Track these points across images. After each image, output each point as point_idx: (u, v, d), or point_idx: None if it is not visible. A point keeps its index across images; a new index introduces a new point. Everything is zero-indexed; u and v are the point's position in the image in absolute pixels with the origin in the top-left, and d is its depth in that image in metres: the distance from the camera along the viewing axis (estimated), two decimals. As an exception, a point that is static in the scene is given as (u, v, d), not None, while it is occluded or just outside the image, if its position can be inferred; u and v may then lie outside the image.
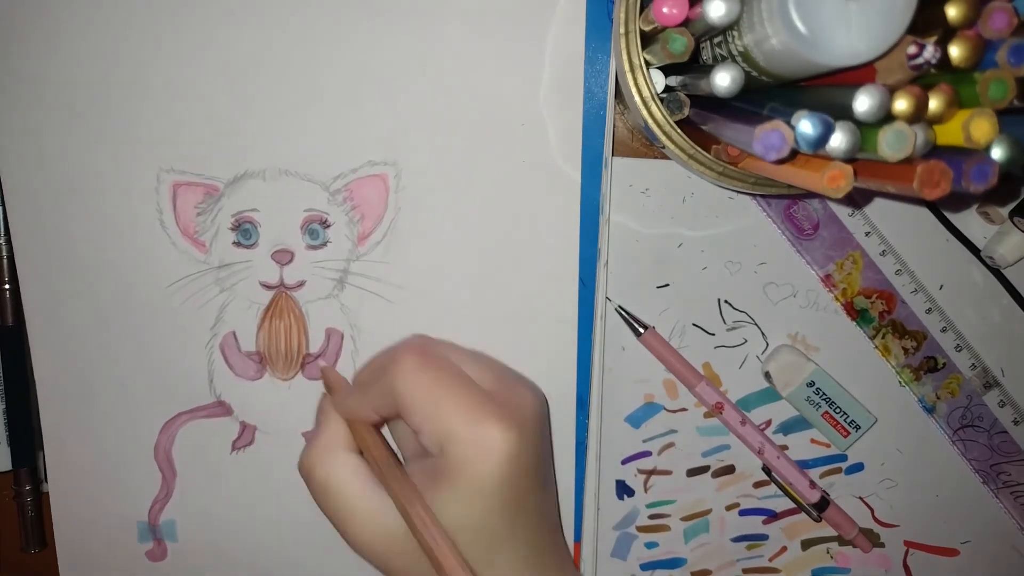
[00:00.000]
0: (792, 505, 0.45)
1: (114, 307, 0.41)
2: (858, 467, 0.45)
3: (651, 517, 0.45)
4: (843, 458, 0.45)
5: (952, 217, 0.43)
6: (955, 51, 0.26)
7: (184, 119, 0.40)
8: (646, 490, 0.45)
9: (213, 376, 0.42)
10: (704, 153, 0.34)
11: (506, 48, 0.39)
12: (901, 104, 0.25)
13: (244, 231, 0.41)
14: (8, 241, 0.42)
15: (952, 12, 0.26)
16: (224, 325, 0.42)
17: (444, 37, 0.39)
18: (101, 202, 0.41)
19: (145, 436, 0.43)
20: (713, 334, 0.44)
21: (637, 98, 0.34)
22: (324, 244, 0.41)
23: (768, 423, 0.44)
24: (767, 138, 0.26)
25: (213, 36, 0.39)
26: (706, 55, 0.34)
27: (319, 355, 0.42)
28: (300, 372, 0.42)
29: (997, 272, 0.43)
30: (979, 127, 0.26)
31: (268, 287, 0.41)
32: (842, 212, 0.43)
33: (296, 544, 0.44)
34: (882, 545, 0.46)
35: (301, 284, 0.41)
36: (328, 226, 0.41)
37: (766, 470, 0.44)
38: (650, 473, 0.45)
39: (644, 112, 0.34)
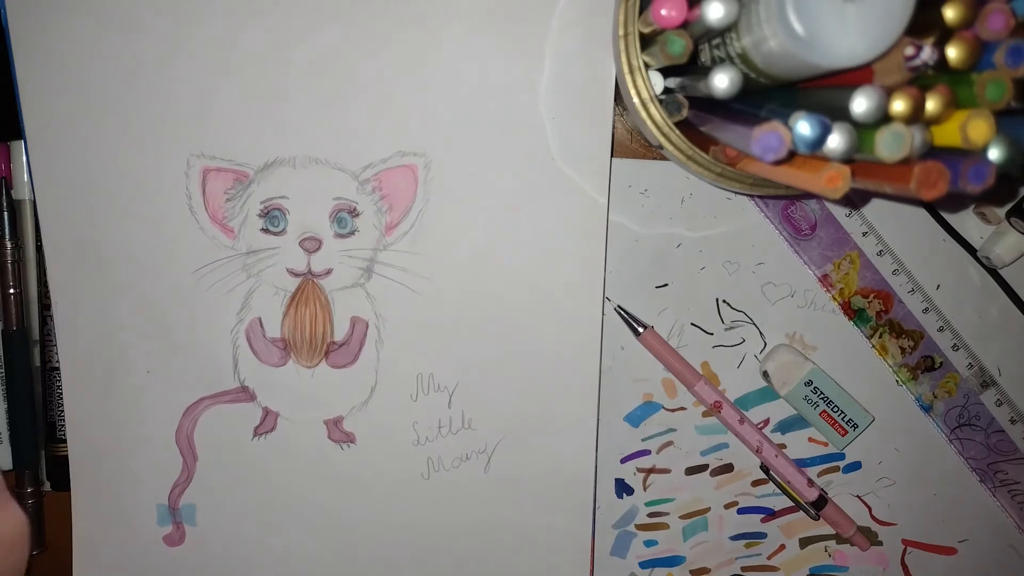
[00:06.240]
0: (790, 503, 0.45)
1: (141, 291, 0.42)
2: (856, 466, 0.45)
3: (650, 515, 0.45)
4: (841, 457, 0.45)
5: (949, 217, 0.43)
6: (953, 52, 0.27)
7: (216, 105, 0.40)
8: (645, 488, 0.45)
9: (237, 361, 0.42)
10: (702, 154, 0.35)
11: (527, 47, 0.40)
12: (898, 105, 0.25)
13: (273, 218, 0.41)
14: (16, 247, 0.42)
15: (950, 13, 0.26)
16: (250, 311, 0.42)
17: (462, 34, 0.40)
18: (131, 187, 0.41)
19: (168, 420, 0.43)
20: (711, 333, 0.44)
21: (636, 100, 0.34)
22: (352, 233, 0.41)
23: (766, 422, 0.45)
24: (765, 139, 0.26)
25: (247, 23, 0.39)
26: (705, 57, 0.34)
27: (344, 343, 0.42)
28: (324, 360, 0.42)
29: (994, 272, 0.44)
30: (976, 128, 0.26)
31: (295, 274, 0.42)
32: (839, 212, 0.43)
33: (316, 531, 0.44)
34: (880, 543, 0.46)
35: (328, 272, 0.41)
36: (357, 215, 0.41)
37: (764, 469, 0.45)
38: (649, 472, 0.45)
39: (643, 114, 0.34)
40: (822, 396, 0.43)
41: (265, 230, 0.41)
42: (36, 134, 0.40)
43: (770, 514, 0.46)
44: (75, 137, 0.40)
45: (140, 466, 0.43)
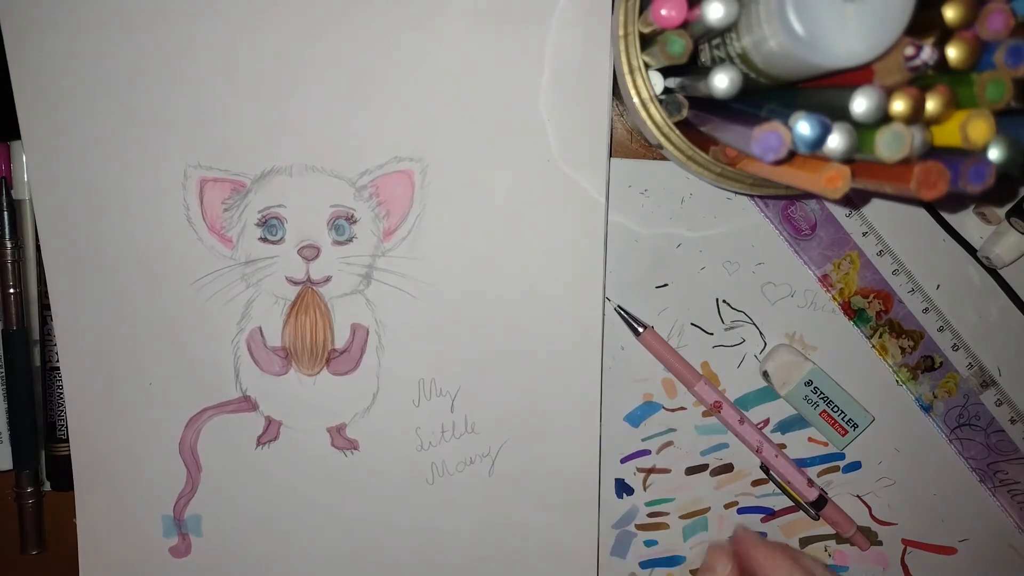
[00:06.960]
0: (790, 503, 0.45)
1: (141, 302, 0.42)
2: (856, 466, 0.45)
3: (650, 515, 0.45)
4: (841, 456, 0.45)
5: (949, 217, 0.43)
6: (953, 52, 0.27)
7: (211, 115, 0.40)
8: (645, 488, 0.45)
9: (239, 371, 0.42)
10: (702, 154, 0.35)
11: (526, 49, 0.40)
12: (898, 105, 0.25)
13: (271, 227, 0.41)
14: (16, 246, 0.42)
15: (950, 13, 0.26)
16: (250, 320, 0.42)
17: (460, 36, 0.40)
18: (128, 198, 0.41)
19: (171, 431, 0.43)
20: (711, 333, 0.44)
21: (636, 100, 0.34)
22: (350, 240, 0.41)
23: (766, 422, 0.45)
24: (765, 139, 0.26)
25: (240, 32, 0.39)
26: (705, 57, 0.34)
27: (344, 350, 0.42)
28: (325, 367, 0.42)
29: (994, 272, 0.44)
30: (976, 128, 0.26)
31: (294, 282, 0.42)
32: (839, 212, 0.43)
33: (322, 538, 0.44)
34: (880, 543, 0.46)
35: (327, 279, 0.42)
36: (354, 222, 0.41)
37: (764, 468, 0.45)
38: (649, 471, 0.45)
39: (643, 114, 0.34)
40: (822, 396, 0.43)
41: (263, 239, 0.41)
42: (34, 147, 0.40)
43: (770, 514, 0.46)
44: (73, 149, 0.40)
45: (144, 478, 0.43)
